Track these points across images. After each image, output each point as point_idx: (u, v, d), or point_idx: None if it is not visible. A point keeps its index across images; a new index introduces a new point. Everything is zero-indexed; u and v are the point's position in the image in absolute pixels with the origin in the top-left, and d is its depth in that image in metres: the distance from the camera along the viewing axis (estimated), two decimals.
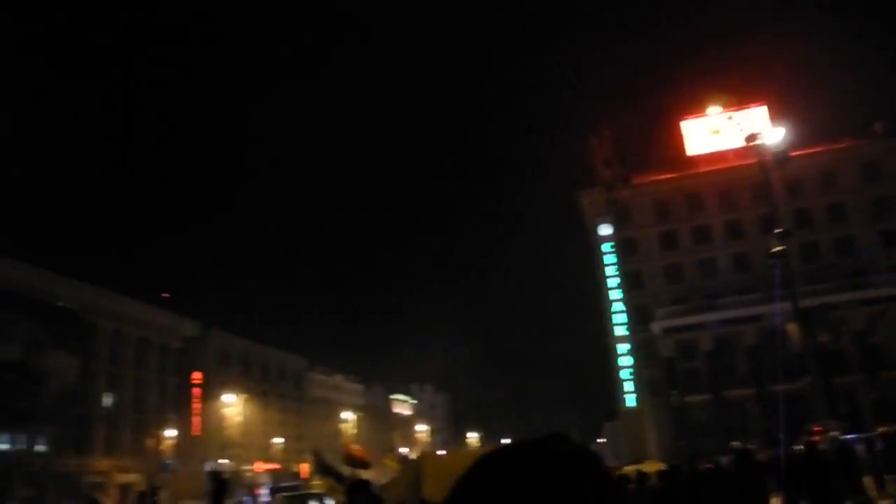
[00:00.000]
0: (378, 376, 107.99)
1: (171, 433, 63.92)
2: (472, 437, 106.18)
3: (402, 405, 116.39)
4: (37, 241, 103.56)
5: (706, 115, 70.01)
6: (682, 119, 70.51)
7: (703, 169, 67.97)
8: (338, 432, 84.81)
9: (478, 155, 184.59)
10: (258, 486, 61.07)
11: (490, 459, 1.12)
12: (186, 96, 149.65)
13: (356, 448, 17.40)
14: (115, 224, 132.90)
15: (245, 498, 56.12)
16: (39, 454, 53.51)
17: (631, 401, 67.61)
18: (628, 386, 68.32)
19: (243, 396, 71.11)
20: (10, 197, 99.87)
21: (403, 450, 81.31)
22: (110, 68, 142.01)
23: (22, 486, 50.07)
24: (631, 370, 67.87)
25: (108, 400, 61.37)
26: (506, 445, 1.13)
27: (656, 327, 60.71)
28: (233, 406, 70.47)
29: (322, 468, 13.98)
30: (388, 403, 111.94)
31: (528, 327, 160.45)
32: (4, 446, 51.81)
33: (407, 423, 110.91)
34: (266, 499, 53.30)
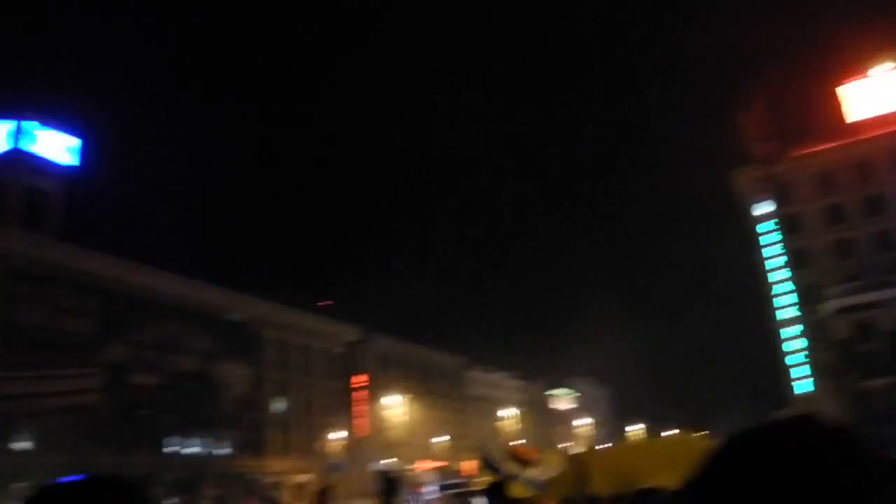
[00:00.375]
0: (538, 372, 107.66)
1: (338, 435, 66.64)
2: (634, 430, 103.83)
3: (563, 400, 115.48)
4: (208, 259, 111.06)
5: (866, 77, 65.21)
6: (839, 84, 66.05)
7: (868, 135, 63.35)
8: (499, 429, 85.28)
9: (625, 144, 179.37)
10: (422, 484, 62.36)
11: (739, 443, 1.05)
12: (339, 101, 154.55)
13: (520, 445, 17.44)
14: (277, 237, 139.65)
15: (409, 496, 57.45)
16: (223, 456, 57.25)
17: (801, 387, 63.95)
18: (797, 372, 64.67)
19: (405, 397, 72.88)
20: (182, 219, 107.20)
21: (565, 445, 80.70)
22: (264, 83, 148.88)
23: (210, 486, 53.62)
24: (802, 354, 64.21)
25: (278, 405, 64.71)
26: (752, 428, 1.06)
27: (829, 307, 57.09)
28: (395, 407, 72.40)
29: (488, 466, 14.03)
30: (548, 398, 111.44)
31: (687, 317, 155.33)
32: (195, 449, 55.79)
33: (568, 417, 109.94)
34: (432, 496, 54.37)
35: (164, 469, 51.72)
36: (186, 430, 55.47)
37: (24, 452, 45.30)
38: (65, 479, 1.45)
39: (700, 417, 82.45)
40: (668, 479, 7.00)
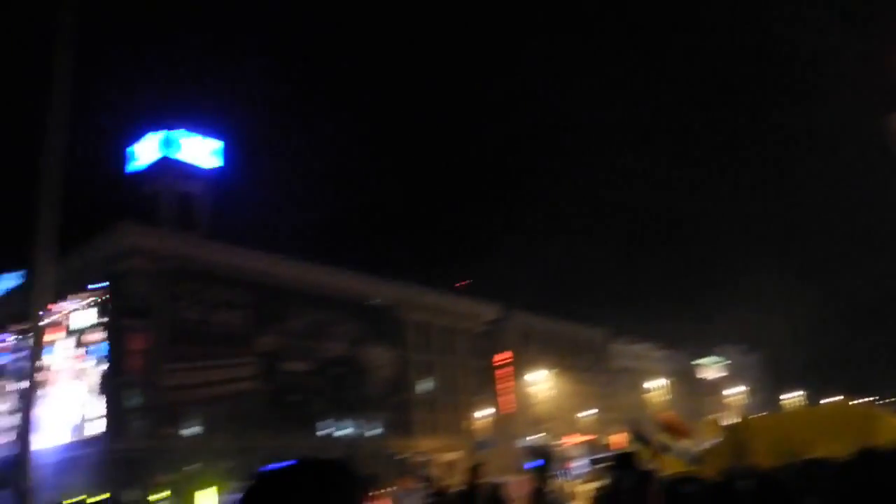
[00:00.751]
0: (684, 341, 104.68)
1: (484, 413, 67.42)
2: (791, 398, 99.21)
3: (712, 368, 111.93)
4: (349, 247, 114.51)
5: None
6: None
7: None
8: (646, 401, 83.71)
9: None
10: (570, 459, 62.07)
11: None
12: (474, 71, 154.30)
13: (672, 416, 16.97)
14: (413, 220, 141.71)
15: (560, 471, 57.24)
16: (373, 437, 59.16)
17: None
18: None
19: (549, 372, 72.73)
20: (321, 210, 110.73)
21: (716, 415, 78.28)
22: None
23: (363, 466, 55.44)
24: None
25: (423, 386, 66.13)
26: None
27: None
28: (540, 383, 72.39)
29: (639, 438, 13.74)
30: (696, 368, 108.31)
31: (849, 276, 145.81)
32: (347, 431, 57.97)
33: (717, 386, 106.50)
34: (582, 470, 53.98)
35: (319, 450, 53.92)
36: (338, 412, 57.70)
37: (193, 437, 48.50)
38: (276, 464, 1.49)
39: (865, 383, 77.83)
40: (835, 448, 6.64)
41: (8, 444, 43.38)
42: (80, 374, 50.40)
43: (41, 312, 17.29)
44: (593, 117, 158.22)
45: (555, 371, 73.55)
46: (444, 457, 61.56)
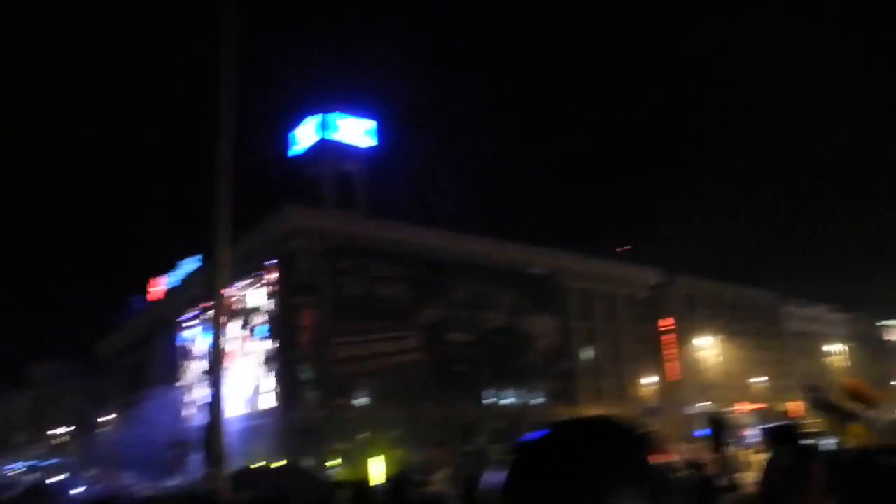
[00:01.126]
0: (866, 302, 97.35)
1: (649, 380, 66.00)
2: None
3: None
4: (504, 217, 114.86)
5: None
6: None
7: None
8: (824, 367, 78.99)
9: None
10: (743, 427, 59.73)
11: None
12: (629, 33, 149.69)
13: (858, 382, 15.72)
14: (567, 186, 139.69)
15: (732, 439, 55.21)
16: (538, 406, 59.33)
17: None
18: None
19: (716, 338, 70.08)
20: (475, 181, 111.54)
21: None
22: None
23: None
24: None
25: (586, 354, 65.39)
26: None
27: None
28: (706, 349, 69.91)
29: (820, 405, 12.81)
30: (881, 331, 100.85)
31: None
32: (511, 400, 58.47)
33: None
34: (755, 439, 51.79)
35: (485, 419, 54.80)
36: (501, 382, 58.22)
37: (363, 407, 50.46)
38: (539, 431, 1.37)
39: None
40: None
41: (200, 415, 46.86)
42: (251, 351, 53.59)
43: (220, 293, 18.34)
44: (761, 73, 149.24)
45: (722, 336, 70.75)
46: None
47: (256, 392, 52.22)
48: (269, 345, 52.02)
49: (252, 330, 53.65)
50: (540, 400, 60.48)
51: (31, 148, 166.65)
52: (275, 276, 52.55)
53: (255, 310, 53.64)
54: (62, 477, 53.56)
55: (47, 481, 49.70)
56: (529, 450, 1.36)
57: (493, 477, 6.89)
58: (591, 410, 61.08)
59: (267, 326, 52.54)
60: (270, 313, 52.51)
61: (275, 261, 52.44)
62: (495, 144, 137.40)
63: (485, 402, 57.31)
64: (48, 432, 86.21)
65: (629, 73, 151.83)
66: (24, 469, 72.87)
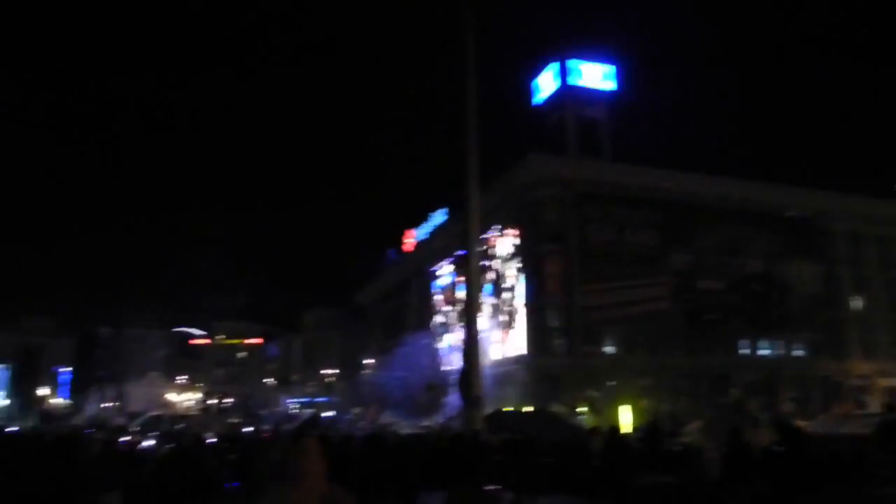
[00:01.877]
0: None
1: None
2: None
3: None
4: (764, 156, 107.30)
5: None
6: None
7: None
8: None
9: None
10: None
11: None
12: None
13: None
14: (841, 124, 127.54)
15: None
16: (797, 358, 55.57)
17: None
18: None
19: None
20: (723, 121, 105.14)
21: None
22: None
23: (787, 388, 52.60)
24: None
25: (855, 304, 59.57)
26: None
27: None
28: None
29: None
30: None
31: None
32: (767, 351, 55.38)
33: None
34: None
35: (739, 371, 52.33)
36: (757, 332, 55.15)
37: (611, 355, 50.13)
38: None
39: None
40: None
41: (455, 360, 49.18)
42: (500, 300, 54.90)
43: (473, 240, 18.91)
44: None
45: None
46: (884, 382, 55.51)
47: (507, 339, 53.66)
48: (519, 293, 53.02)
49: (501, 278, 54.96)
50: (801, 352, 56.58)
51: (304, 115, 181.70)
52: (521, 225, 53.30)
53: (504, 258, 54.80)
54: (332, 413, 58.97)
55: (321, 416, 55.15)
56: None
57: None
58: (863, 366, 56.15)
59: (515, 275, 53.54)
60: (518, 262, 53.41)
61: (521, 210, 53.13)
62: (743, 81, 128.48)
63: (739, 352, 54.64)
64: (320, 372, 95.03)
65: None
66: (301, 405, 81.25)
